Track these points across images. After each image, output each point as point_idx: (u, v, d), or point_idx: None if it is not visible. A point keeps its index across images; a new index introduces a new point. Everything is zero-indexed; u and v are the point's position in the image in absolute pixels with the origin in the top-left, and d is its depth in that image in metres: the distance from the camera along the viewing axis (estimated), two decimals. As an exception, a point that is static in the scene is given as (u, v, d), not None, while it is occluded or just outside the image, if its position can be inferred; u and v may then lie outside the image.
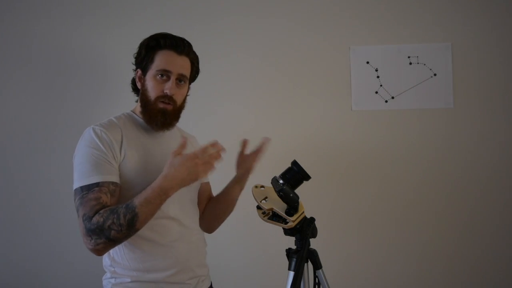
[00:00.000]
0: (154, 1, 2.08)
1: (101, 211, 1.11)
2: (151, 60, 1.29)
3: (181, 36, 1.34)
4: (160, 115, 1.28)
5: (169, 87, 1.27)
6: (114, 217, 1.10)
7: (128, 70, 1.43)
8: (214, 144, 1.14)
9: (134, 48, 1.35)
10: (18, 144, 2.06)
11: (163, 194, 1.13)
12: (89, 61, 2.08)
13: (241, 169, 1.44)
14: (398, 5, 2.03)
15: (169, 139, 1.38)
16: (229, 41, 2.06)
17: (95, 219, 1.10)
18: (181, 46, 1.30)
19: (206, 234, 1.46)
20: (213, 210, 1.50)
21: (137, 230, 1.13)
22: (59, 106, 2.07)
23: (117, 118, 1.31)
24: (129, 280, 1.23)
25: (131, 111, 1.37)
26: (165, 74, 1.28)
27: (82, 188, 1.15)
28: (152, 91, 1.28)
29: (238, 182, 1.46)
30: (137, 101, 1.38)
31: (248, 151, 1.46)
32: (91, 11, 2.08)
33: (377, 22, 2.04)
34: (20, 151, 2.06)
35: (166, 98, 1.28)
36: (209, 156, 1.13)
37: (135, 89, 1.39)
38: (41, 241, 2.05)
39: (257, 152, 1.44)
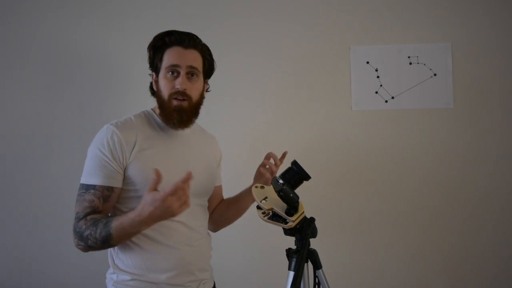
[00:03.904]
0: None
1: (88, 218, 1.17)
2: (160, 60, 1.28)
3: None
4: (175, 113, 1.26)
5: (179, 82, 1.25)
6: (93, 229, 1.14)
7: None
8: (185, 180, 1.06)
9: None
10: (21, 143, 2.07)
11: (136, 226, 1.12)
12: (93, 59, 2.07)
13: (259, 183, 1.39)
14: (398, 5, 2.03)
15: (189, 137, 1.37)
16: (228, 41, 2.06)
17: (81, 223, 1.17)
18: (186, 40, 1.28)
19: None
20: (222, 214, 1.51)
21: (114, 245, 1.19)
22: (63, 106, 2.07)
23: (136, 117, 1.31)
24: (129, 278, 1.24)
25: (152, 109, 1.36)
26: (174, 70, 1.26)
27: (83, 185, 1.22)
28: (164, 89, 1.26)
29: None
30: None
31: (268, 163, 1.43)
32: (94, 9, 2.08)
33: (377, 22, 2.04)
34: (23, 150, 2.06)
35: (179, 94, 1.25)
36: (183, 192, 1.06)
37: (153, 93, 1.36)
38: (43, 240, 2.06)
39: (276, 166, 1.42)
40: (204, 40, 1.37)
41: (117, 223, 1.13)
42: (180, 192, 1.05)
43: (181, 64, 1.26)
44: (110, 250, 1.30)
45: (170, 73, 1.26)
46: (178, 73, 1.26)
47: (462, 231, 2.00)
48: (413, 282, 2.02)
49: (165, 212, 1.06)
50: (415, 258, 2.02)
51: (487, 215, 2.00)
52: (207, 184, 1.39)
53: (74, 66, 2.07)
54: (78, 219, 1.18)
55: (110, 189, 1.21)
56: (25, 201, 2.06)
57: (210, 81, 1.45)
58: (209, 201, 1.47)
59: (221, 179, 1.54)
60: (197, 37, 1.32)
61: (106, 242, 1.15)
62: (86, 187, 1.20)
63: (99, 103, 2.06)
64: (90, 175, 1.21)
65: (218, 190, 1.53)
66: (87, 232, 1.15)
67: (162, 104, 1.28)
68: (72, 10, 2.08)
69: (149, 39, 1.33)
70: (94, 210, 1.19)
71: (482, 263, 1.99)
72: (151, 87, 1.37)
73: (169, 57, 1.27)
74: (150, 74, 1.36)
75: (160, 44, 1.28)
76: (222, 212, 1.51)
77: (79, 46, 2.08)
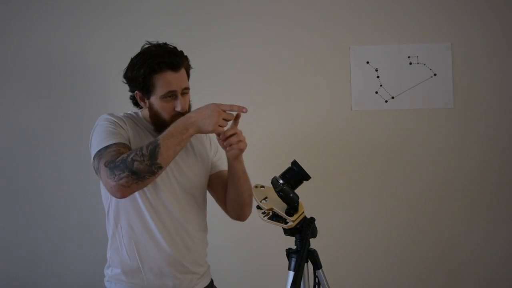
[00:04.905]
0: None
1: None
2: (152, 85, 1.29)
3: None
4: None
5: (180, 106, 1.31)
6: (137, 151, 1.15)
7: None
8: (241, 107, 1.27)
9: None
10: (15, 146, 2.07)
11: (184, 129, 1.19)
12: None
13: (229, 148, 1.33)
14: (398, 5, 2.03)
15: None
16: (228, 41, 2.06)
17: (119, 158, 1.15)
18: (175, 63, 1.30)
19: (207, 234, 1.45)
20: (230, 195, 1.45)
21: (159, 166, 1.16)
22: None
23: (125, 116, 1.35)
24: (119, 271, 1.29)
25: (141, 112, 1.40)
26: (172, 95, 1.30)
27: (99, 150, 1.20)
28: (164, 112, 1.31)
29: (233, 159, 1.35)
30: (140, 108, 1.40)
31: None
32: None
33: (377, 22, 2.04)
34: (19, 151, 2.06)
35: (180, 114, 1.30)
36: (229, 115, 1.23)
37: (136, 103, 1.40)
38: (44, 240, 2.06)
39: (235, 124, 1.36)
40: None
41: (163, 134, 1.18)
42: (229, 115, 1.23)
43: (177, 89, 1.31)
44: (108, 246, 1.33)
45: (167, 97, 1.30)
46: (176, 96, 1.31)
47: (463, 231, 2.00)
48: (413, 282, 2.02)
49: (208, 118, 1.19)
50: (416, 258, 2.02)
51: (487, 214, 2.00)
52: (198, 180, 1.40)
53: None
54: (113, 161, 1.14)
55: (128, 147, 1.23)
56: (23, 202, 2.06)
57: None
58: (217, 187, 1.46)
59: (225, 164, 1.46)
60: (181, 54, 1.34)
61: (153, 157, 1.14)
62: (105, 148, 1.19)
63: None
64: (105, 141, 1.20)
65: (222, 173, 1.48)
66: (131, 155, 1.13)
67: (162, 124, 1.30)
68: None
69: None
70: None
71: (483, 262, 2.00)
72: (134, 100, 1.39)
73: (164, 84, 1.29)
74: (130, 91, 1.36)
75: (149, 72, 1.29)
76: (229, 192, 1.45)
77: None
